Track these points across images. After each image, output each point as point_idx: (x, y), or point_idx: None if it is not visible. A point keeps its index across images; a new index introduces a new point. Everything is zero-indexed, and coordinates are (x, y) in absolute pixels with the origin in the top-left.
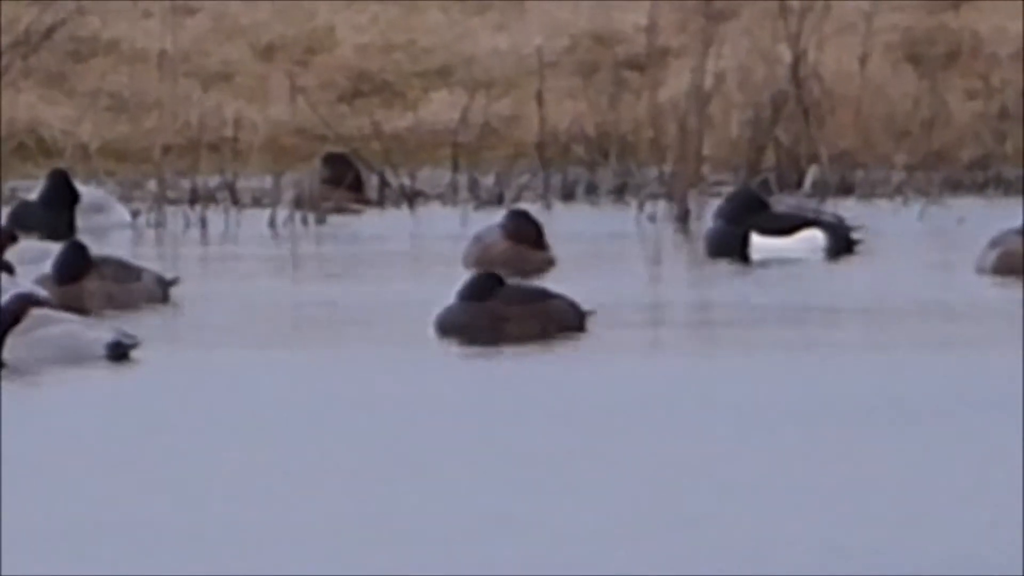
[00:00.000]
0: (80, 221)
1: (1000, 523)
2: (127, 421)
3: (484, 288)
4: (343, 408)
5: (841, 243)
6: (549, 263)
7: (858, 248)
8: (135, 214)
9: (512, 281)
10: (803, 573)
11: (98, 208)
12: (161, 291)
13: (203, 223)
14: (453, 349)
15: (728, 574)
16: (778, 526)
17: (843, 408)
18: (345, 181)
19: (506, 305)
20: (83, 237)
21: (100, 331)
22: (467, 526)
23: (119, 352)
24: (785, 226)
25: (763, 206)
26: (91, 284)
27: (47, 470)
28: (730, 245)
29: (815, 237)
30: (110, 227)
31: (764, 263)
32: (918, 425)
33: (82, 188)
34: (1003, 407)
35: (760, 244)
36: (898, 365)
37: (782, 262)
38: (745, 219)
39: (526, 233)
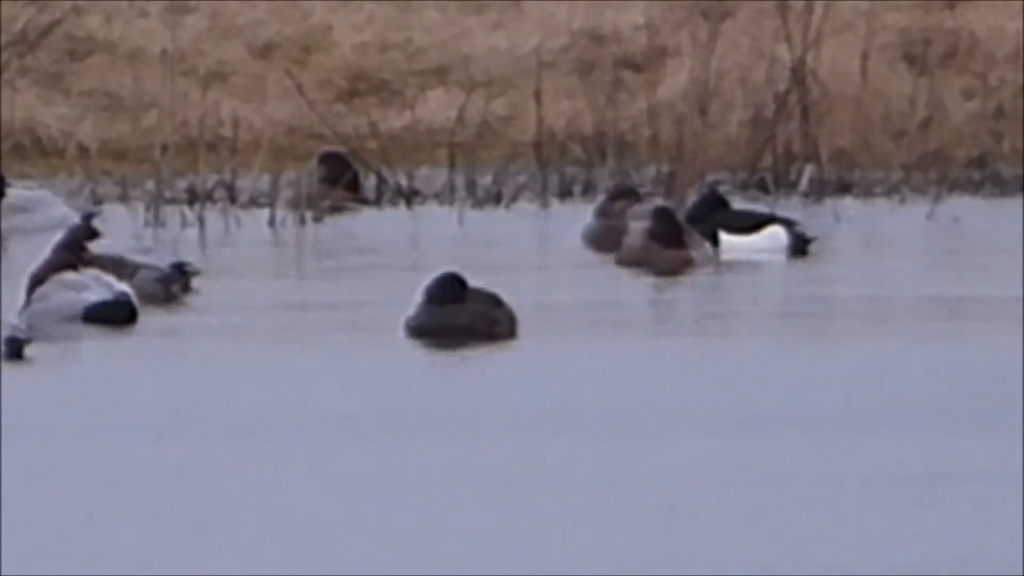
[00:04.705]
0: (3, 222)
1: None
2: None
3: (452, 290)
4: (322, 405)
5: (799, 242)
6: (687, 262)
7: (812, 248)
8: (89, 216)
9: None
10: (799, 573)
11: (21, 209)
12: (162, 289)
13: (201, 222)
14: (422, 349)
15: (723, 574)
16: (768, 526)
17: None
18: (342, 180)
19: (488, 307)
20: (7, 238)
21: None
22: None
23: (14, 347)
24: (749, 224)
25: (724, 204)
26: None
27: None
28: None
29: (778, 235)
30: (35, 229)
31: (748, 263)
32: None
33: (16, 189)
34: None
35: (728, 242)
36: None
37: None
38: (709, 218)
39: (664, 231)
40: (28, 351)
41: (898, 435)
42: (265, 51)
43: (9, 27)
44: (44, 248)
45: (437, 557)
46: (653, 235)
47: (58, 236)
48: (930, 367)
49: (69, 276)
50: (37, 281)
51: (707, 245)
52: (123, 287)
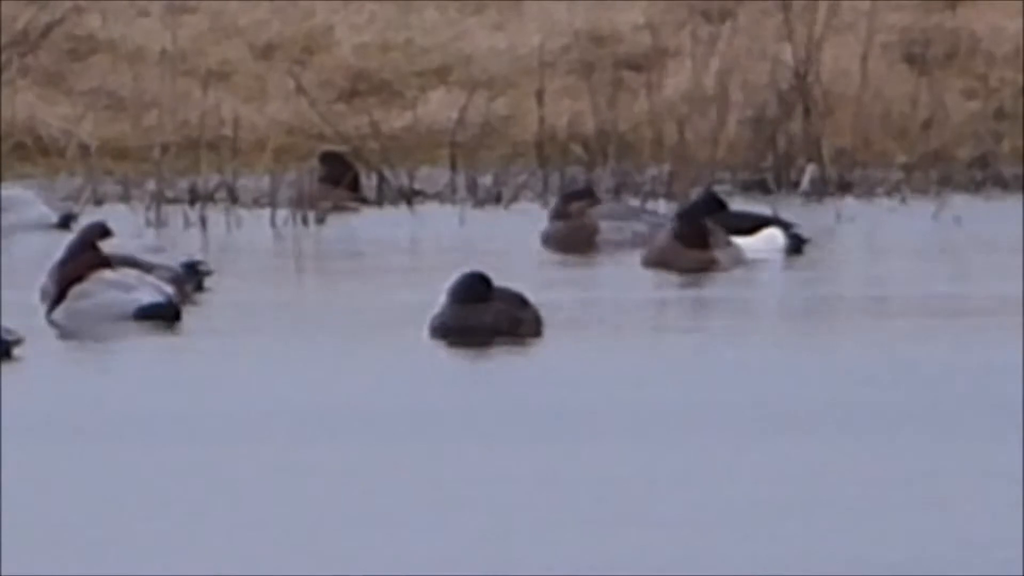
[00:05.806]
0: None
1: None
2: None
3: (477, 289)
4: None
5: (795, 242)
6: (711, 263)
7: (808, 249)
8: (69, 217)
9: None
10: (800, 573)
11: None
12: (175, 289)
13: (203, 222)
14: (448, 349)
15: (726, 574)
16: (769, 525)
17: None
18: (343, 180)
19: (513, 306)
20: None
21: None
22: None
23: (3, 348)
24: (747, 225)
25: (721, 206)
26: None
27: None
28: None
29: (775, 236)
30: (10, 228)
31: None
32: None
33: None
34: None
35: None
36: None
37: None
38: (706, 219)
39: (687, 232)
40: (17, 351)
41: (898, 434)
42: (266, 51)
43: (10, 27)
44: (24, 247)
45: (458, 557)
46: (677, 235)
47: (72, 236)
48: (931, 366)
49: (110, 275)
50: (72, 280)
51: (734, 245)
52: (169, 288)
